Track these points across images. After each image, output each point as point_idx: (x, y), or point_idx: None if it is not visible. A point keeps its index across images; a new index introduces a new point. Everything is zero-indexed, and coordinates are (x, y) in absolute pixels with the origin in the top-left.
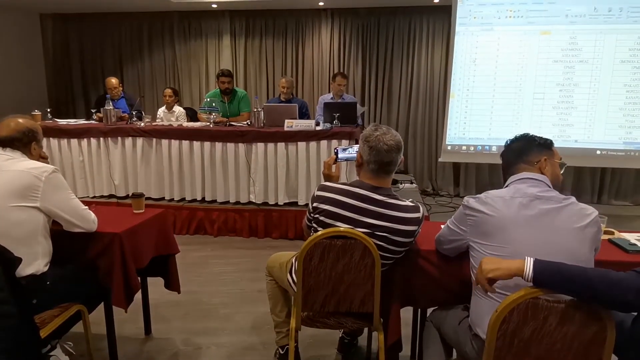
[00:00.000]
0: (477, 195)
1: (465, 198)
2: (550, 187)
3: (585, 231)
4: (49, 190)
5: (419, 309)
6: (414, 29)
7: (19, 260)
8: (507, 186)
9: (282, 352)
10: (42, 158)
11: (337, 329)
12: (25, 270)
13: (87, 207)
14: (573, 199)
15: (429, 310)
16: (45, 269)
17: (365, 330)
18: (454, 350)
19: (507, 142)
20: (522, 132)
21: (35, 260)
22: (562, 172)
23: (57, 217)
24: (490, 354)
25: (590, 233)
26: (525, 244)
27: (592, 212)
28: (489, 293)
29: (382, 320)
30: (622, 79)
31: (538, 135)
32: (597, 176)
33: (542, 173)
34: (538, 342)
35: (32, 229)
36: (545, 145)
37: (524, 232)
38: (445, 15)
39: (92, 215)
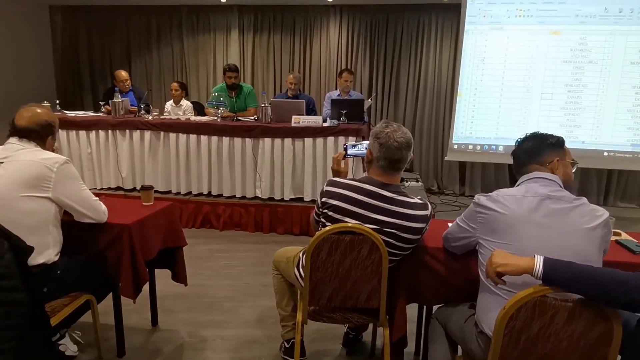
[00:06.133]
0: (488, 194)
1: (477, 196)
2: (561, 186)
3: (594, 232)
4: (60, 180)
5: (425, 306)
6: (422, 27)
7: (31, 249)
8: (518, 185)
9: (287, 346)
10: (54, 150)
11: (342, 324)
12: (36, 259)
13: (97, 198)
14: (584, 199)
15: (435, 307)
16: (56, 258)
17: (370, 325)
18: (459, 347)
19: (518, 141)
20: (531, 131)
21: (46, 250)
22: (573, 170)
23: (68, 207)
24: (497, 350)
25: (600, 234)
26: (534, 242)
27: (602, 213)
28: (496, 290)
29: (387, 316)
30: (632, 81)
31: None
32: (604, 178)
33: (553, 173)
34: (545, 340)
35: (43, 218)
36: (557, 144)
37: (534, 231)
38: (454, 13)
39: (103, 206)
